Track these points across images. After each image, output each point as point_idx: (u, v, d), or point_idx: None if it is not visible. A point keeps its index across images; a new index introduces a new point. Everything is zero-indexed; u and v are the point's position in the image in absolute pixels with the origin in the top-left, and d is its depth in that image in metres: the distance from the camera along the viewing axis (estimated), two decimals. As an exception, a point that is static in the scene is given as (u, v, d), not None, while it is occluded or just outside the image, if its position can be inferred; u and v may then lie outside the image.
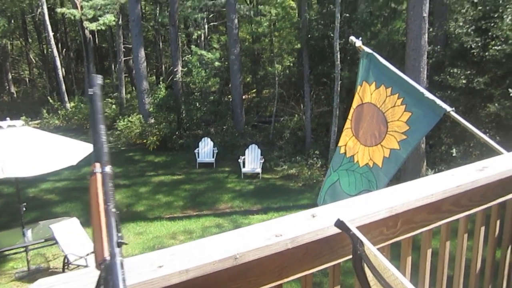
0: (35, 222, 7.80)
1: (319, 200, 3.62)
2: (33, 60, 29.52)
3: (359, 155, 3.20)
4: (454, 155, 11.22)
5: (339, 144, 3.42)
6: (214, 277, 1.10)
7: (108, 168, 0.80)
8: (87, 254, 6.41)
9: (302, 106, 16.46)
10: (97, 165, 0.81)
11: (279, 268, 1.26)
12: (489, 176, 1.74)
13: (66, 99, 21.37)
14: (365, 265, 1.23)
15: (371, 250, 1.16)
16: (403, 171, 10.55)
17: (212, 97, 17.74)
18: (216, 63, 17.66)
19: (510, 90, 10.96)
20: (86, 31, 21.78)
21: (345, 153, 3.33)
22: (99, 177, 0.79)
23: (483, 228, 2.01)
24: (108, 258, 0.70)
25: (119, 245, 0.71)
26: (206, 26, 21.77)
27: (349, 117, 3.39)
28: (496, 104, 11.38)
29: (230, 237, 1.20)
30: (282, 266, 1.27)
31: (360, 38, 3.25)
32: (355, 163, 3.23)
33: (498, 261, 2.23)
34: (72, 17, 19.82)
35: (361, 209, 1.39)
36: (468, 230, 1.98)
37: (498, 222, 2.09)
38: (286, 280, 1.30)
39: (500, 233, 2.15)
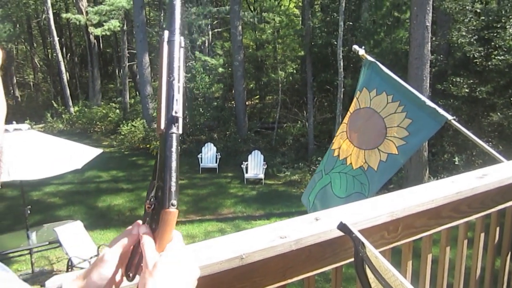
0: (39, 225, 7.85)
1: (307, 203, 3.61)
2: (38, 64, 29.70)
3: (353, 158, 3.22)
4: (456, 163, 11.24)
5: (333, 147, 3.43)
6: (220, 276, 1.14)
7: (177, 37, 0.73)
8: (91, 257, 6.45)
9: (305, 113, 16.51)
10: (166, 33, 0.73)
11: (283, 269, 1.30)
12: (488, 184, 1.78)
13: (70, 103, 21.48)
14: (366, 267, 1.28)
15: (373, 252, 1.20)
16: (405, 179, 10.57)
17: (215, 103, 17.82)
18: (220, 69, 17.74)
19: (512, 99, 11.00)
20: (91, 36, 21.96)
21: (338, 156, 3.35)
22: (165, 47, 0.72)
23: (483, 235, 2.04)
24: (163, 130, 0.70)
25: (175, 119, 0.70)
26: (210, 33, 21.88)
27: (345, 121, 3.43)
28: (499, 114, 11.41)
29: (237, 238, 1.24)
30: (286, 267, 1.31)
31: (363, 47, 3.31)
32: (347, 165, 3.25)
33: (497, 269, 2.27)
34: (77, 23, 20.00)
35: (364, 213, 1.43)
36: (468, 237, 2.02)
37: (497, 229, 2.12)
38: (290, 281, 1.34)
39: (500, 240, 2.19)
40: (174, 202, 0.69)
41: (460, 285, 2.03)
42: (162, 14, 22.37)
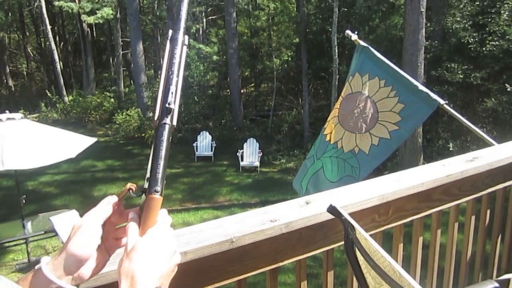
0: (35, 214, 7.83)
1: (299, 189, 3.62)
2: (31, 53, 29.43)
3: (344, 141, 3.22)
4: (451, 149, 11.29)
5: (325, 132, 3.44)
6: (211, 259, 1.15)
7: (180, 35, 0.77)
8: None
9: (300, 100, 16.49)
10: (170, 31, 0.78)
11: (274, 252, 1.31)
12: (478, 167, 1.79)
13: (64, 92, 21.32)
14: (356, 249, 1.29)
15: (362, 234, 1.21)
16: (400, 165, 10.62)
17: (210, 91, 17.75)
18: (214, 57, 17.66)
19: (507, 85, 11.01)
20: (84, 25, 21.73)
21: (329, 140, 3.36)
22: (168, 44, 0.77)
23: (473, 218, 2.06)
24: (157, 121, 0.74)
25: (168, 111, 0.73)
26: (204, 20, 21.74)
27: (337, 105, 3.42)
28: (493, 99, 11.43)
29: (227, 221, 1.24)
30: (277, 251, 1.32)
31: (356, 32, 3.30)
32: (339, 149, 3.25)
33: (488, 251, 2.29)
34: (70, 11, 19.75)
35: (354, 196, 1.44)
36: (460, 221, 2.04)
37: (488, 212, 2.14)
38: (281, 264, 1.35)
39: (491, 224, 2.21)
40: (158, 188, 0.72)
41: (451, 268, 2.05)
42: (156, 2, 22.16)
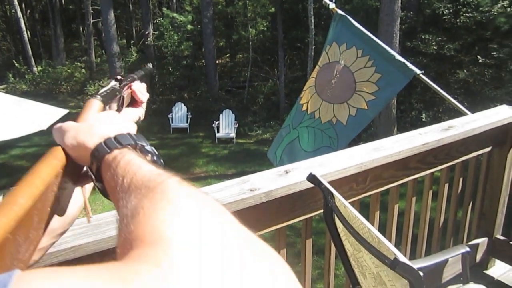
0: (7, 188, 7.67)
1: (273, 158, 3.64)
2: (-4, 21, 28.16)
3: (321, 112, 3.23)
4: (423, 120, 11.51)
5: (301, 102, 3.43)
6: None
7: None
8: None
9: (276, 71, 16.40)
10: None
11: (254, 221, 1.31)
12: (453, 135, 1.83)
13: (33, 63, 20.58)
14: (335, 216, 1.30)
15: (342, 201, 1.22)
16: (374, 135, 10.78)
17: (185, 62, 17.43)
18: (189, 27, 17.25)
19: (479, 57, 11.20)
20: (52, -9, 20.85)
21: (306, 110, 3.36)
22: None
23: (446, 186, 2.11)
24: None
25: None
26: (178, -12, 21.14)
27: (313, 75, 3.41)
28: (465, 71, 11.63)
29: (207, 191, 1.23)
30: (257, 220, 1.32)
31: (334, 0, 3.26)
32: (316, 119, 3.26)
33: (459, 219, 2.37)
34: (36, -24, 18.89)
35: (333, 165, 1.45)
36: (433, 189, 2.09)
37: (461, 180, 2.20)
38: (260, 233, 1.36)
39: (463, 191, 2.28)
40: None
41: (424, 233, 2.12)
42: (126, -32, 21.36)
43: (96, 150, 0.54)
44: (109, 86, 0.73)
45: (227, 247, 0.32)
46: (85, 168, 0.61)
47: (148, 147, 0.59)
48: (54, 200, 0.55)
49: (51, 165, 0.56)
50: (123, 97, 0.76)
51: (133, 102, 0.80)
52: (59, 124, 0.61)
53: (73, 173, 0.60)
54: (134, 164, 0.49)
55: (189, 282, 0.28)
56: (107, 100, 0.69)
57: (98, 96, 0.68)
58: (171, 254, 0.30)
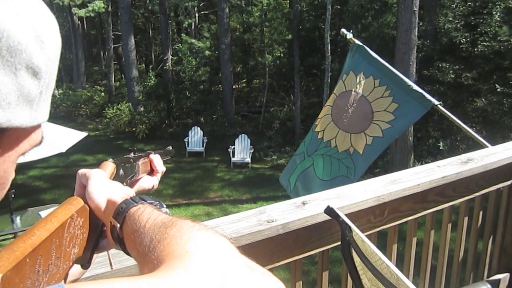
0: (24, 209, 7.75)
1: (287, 185, 3.62)
2: (20, 45, 29.05)
3: (338, 141, 3.22)
4: (441, 148, 11.38)
5: (317, 130, 3.42)
6: (208, 260, 1.14)
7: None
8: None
9: (292, 97, 16.49)
10: None
11: (270, 253, 1.31)
12: (473, 168, 1.80)
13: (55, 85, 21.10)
14: (353, 250, 1.29)
15: (359, 235, 1.21)
16: (391, 163, 10.69)
17: (202, 86, 17.69)
18: (207, 52, 17.57)
19: (497, 85, 11.12)
20: (75, 18, 21.49)
21: (322, 138, 3.35)
22: None
23: (466, 219, 2.07)
24: None
25: None
26: (196, 15, 21.62)
27: (329, 103, 3.41)
28: (483, 99, 11.54)
29: (223, 222, 1.23)
30: (273, 251, 1.31)
31: (351, 31, 3.29)
32: (332, 148, 3.24)
33: (480, 251, 2.31)
34: (61, 3, 19.51)
35: (351, 197, 1.44)
36: (452, 221, 2.05)
37: (481, 213, 2.16)
38: (276, 264, 1.34)
39: (483, 224, 2.23)
40: None
41: (444, 267, 2.07)
42: (147, -5, 21.97)
43: (124, 203, 0.64)
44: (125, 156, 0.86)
45: (231, 257, 0.46)
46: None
47: (162, 204, 0.69)
48: (74, 242, 0.62)
49: (67, 208, 0.64)
50: (139, 165, 0.86)
51: (151, 171, 0.92)
52: (85, 171, 0.75)
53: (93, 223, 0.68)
54: (154, 212, 0.60)
55: (210, 280, 0.41)
56: (119, 163, 0.80)
57: (111, 159, 0.80)
58: (196, 262, 0.43)
